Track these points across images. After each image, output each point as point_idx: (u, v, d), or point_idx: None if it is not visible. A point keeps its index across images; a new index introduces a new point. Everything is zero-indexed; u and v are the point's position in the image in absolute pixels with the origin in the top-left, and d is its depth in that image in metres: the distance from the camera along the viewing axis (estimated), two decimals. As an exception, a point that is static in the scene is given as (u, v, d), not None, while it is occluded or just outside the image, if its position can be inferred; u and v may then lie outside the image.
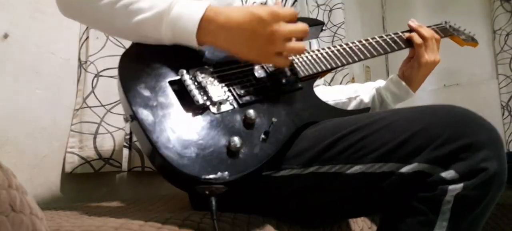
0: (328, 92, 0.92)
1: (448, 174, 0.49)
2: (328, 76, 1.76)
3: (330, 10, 1.82)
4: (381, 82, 0.89)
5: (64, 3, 0.66)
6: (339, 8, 1.81)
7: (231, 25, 0.60)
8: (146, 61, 0.61)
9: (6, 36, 0.87)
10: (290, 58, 0.72)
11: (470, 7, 2.12)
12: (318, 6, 1.83)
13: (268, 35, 0.59)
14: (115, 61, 1.04)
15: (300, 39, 0.64)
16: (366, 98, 0.88)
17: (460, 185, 0.48)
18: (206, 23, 0.60)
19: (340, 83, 1.74)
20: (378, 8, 2.45)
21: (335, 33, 1.79)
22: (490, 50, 2.05)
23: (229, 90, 0.62)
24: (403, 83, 0.84)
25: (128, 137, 1.05)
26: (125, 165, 1.03)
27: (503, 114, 1.96)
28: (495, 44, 2.01)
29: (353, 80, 1.89)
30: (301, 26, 0.62)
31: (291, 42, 0.62)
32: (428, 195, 0.50)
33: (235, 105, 0.61)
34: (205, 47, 0.65)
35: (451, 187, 0.49)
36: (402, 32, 0.86)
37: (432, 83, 2.17)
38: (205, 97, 0.59)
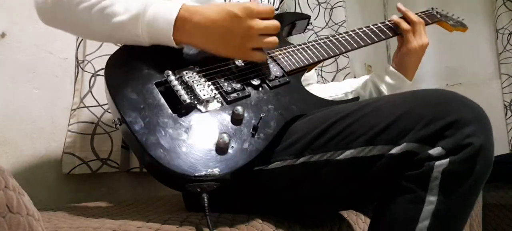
0: (324, 89, 0.92)
1: (435, 150, 0.50)
2: (329, 76, 1.76)
3: (332, 8, 1.81)
4: (375, 74, 0.89)
5: (43, 13, 0.67)
6: (340, 6, 1.80)
7: (206, 23, 0.61)
8: (131, 64, 0.62)
9: (3, 35, 0.87)
10: (277, 53, 0.72)
11: (472, 5, 2.10)
12: (319, 4, 1.82)
13: (244, 31, 0.62)
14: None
15: (274, 34, 0.66)
16: (363, 91, 0.88)
17: (446, 160, 0.49)
18: (181, 23, 0.61)
19: (342, 82, 1.73)
20: (379, 6, 2.44)
21: (336, 31, 1.78)
22: (492, 49, 2.04)
23: (216, 88, 0.62)
24: (396, 71, 0.85)
25: (126, 137, 1.04)
26: (123, 166, 1.02)
27: (506, 114, 1.95)
28: (497, 44, 2.00)
29: (354, 79, 1.88)
30: (275, 22, 0.64)
31: (267, 37, 0.64)
32: (415, 173, 0.51)
33: (223, 102, 0.61)
34: (184, 45, 0.65)
35: (437, 162, 0.49)
36: (389, 21, 0.87)
37: (435, 83, 2.16)
38: (192, 97, 0.59)
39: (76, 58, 1.00)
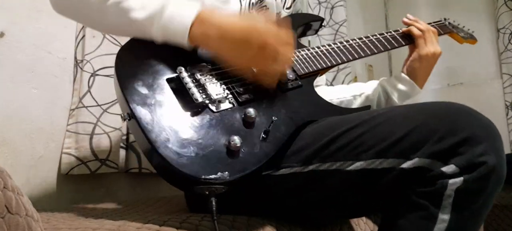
0: (333, 91, 0.92)
1: (449, 168, 0.49)
2: (330, 76, 1.75)
3: (332, 8, 1.81)
4: (385, 78, 0.89)
5: (54, 1, 0.66)
6: (341, 5, 1.80)
7: (224, 29, 0.59)
8: (143, 58, 0.60)
9: (2, 35, 0.86)
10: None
11: (474, 5, 2.10)
12: (320, 3, 1.82)
13: (259, 46, 0.58)
14: (112, 60, 1.02)
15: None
16: (371, 95, 0.87)
17: (461, 178, 0.48)
18: (198, 27, 0.59)
19: (342, 82, 1.73)
20: (380, 6, 2.44)
21: (337, 31, 1.78)
22: (494, 49, 2.04)
23: (228, 88, 0.61)
24: (407, 77, 0.84)
25: (124, 137, 1.04)
26: (121, 166, 1.02)
27: (507, 114, 1.95)
28: (499, 43, 2.00)
29: (355, 79, 1.88)
30: (289, 57, 0.63)
31: (279, 61, 0.61)
32: (428, 190, 0.50)
33: (235, 103, 0.60)
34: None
35: (451, 181, 0.49)
36: (402, 29, 0.87)
37: (436, 83, 2.16)
38: (204, 95, 0.58)
39: (75, 58, 0.99)
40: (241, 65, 0.61)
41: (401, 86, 0.84)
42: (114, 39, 1.02)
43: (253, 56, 0.59)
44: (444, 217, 0.49)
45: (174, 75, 0.60)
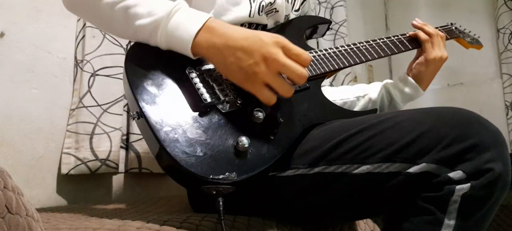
0: (336, 92, 0.92)
1: (456, 174, 0.49)
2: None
3: (332, 8, 1.81)
4: (389, 81, 0.89)
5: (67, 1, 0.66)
6: (341, 5, 1.80)
7: (228, 36, 0.56)
8: (153, 57, 0.60)
9: (2, 35, 0.86)
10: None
11: (474, 5, 2.11)
12: (320, 3, 1.82)
13: (262, 55, 0.54)
14: (112, 60, 1.03)
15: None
16: (374, 97, 0.87)
17: (468, 184, 0.48)
18: (203, 34, 0.57)
19: (342, 82, 1.73)
20: (380, 6, 2.44)
21: (337, 31, 1.78)
22: (494, 49, 2.04)
23: (237, 89, 0.61)
24: (412, 80, 0.84)
25: (125, 137, 1.04)
26: (121, 166, 1.02)
27: (507, 114, 1.95)
28: (499, 43, 2.00)
29: (355, 80, 1.88)
30: (301, 71, 0.55)
31: (285, 81, 0.57)
32: (435, 195, 0.50)
33: (243, 104, 0.60)
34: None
35: (458, 186, 0.49)
36: (408, 33, 0.87)
37: (436, 83, 2.14)
38: (212, 96, 0.58)
39: (75, 58, 0.99)
40: (240, 78, 0.57)
41: (406, 89, 0.85)
42: (114, 39, 1.02)
43: (254, 66, 0.55)
44: (449, 222, 0.49)
45: (183, 75, 0.60)
